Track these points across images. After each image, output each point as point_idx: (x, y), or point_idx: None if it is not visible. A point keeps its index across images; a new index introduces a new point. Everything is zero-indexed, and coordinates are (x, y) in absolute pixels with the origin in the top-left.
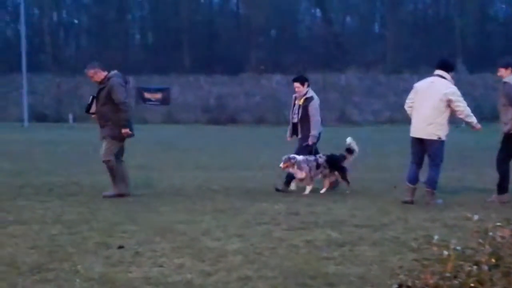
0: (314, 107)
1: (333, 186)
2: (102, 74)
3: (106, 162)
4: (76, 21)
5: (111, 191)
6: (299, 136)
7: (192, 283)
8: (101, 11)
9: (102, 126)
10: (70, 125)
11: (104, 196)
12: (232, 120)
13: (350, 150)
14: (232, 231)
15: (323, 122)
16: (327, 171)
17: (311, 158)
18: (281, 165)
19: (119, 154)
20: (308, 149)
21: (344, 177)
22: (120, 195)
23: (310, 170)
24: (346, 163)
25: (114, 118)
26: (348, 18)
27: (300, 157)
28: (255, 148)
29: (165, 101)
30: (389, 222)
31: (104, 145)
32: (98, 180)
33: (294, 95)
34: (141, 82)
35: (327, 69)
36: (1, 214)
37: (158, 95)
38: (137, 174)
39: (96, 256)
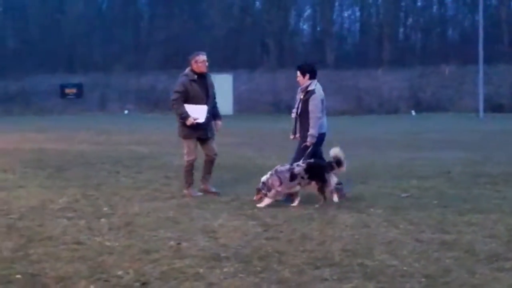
0: (314, 103)
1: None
2: None
3: (216, 156)
4: None
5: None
6: (297, 134)
7: None
8: None
9: (208, 122)
10: None
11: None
12: None
13: (339, 162)
14: None
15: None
16: (306, 181)
17: (284, 167)
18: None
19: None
20: (308, 151)
21: (321, 190)
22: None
23: (280, 183)
24: (331, 175)
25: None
26: None
27: (267, 176)
28: None
29: None
30: None
31: (213, 140)
32: None
33: (299, 88)
34: None
35: None
36: (458, 202)
37: None
38: None
39: None
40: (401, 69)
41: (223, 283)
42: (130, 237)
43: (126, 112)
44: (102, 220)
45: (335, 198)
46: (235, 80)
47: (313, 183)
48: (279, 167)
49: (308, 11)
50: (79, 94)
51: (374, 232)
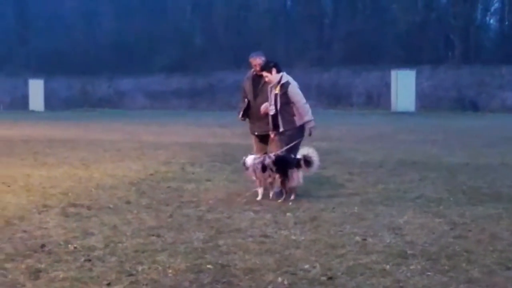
0: (295, 91)
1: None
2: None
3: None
4: None
5: None
6: (281, 129)
7: None
8: None
9: (258, 120)
10: None
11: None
12: None
13: (308, 162)
14: None
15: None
16: (274, 174)
17: (260, 159)
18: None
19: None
20: (295, 143)
21: (283, 184)
22: None
23: (254, 172)
24: (296, 172)
25: None
26: None
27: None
28: None
29: None
30: None
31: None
32: None
33: (270, 85)
34: None
35: None
36: None
37: None
38: None
39: None
40: None
41: (410, 281)
42: (316, 232)
43: None
44: (288, 214)
45: (292, 196)
46: (418, 76)
47: (277, 176)
48: (257, 159)
49: (495, 5)
50: None
51: None
